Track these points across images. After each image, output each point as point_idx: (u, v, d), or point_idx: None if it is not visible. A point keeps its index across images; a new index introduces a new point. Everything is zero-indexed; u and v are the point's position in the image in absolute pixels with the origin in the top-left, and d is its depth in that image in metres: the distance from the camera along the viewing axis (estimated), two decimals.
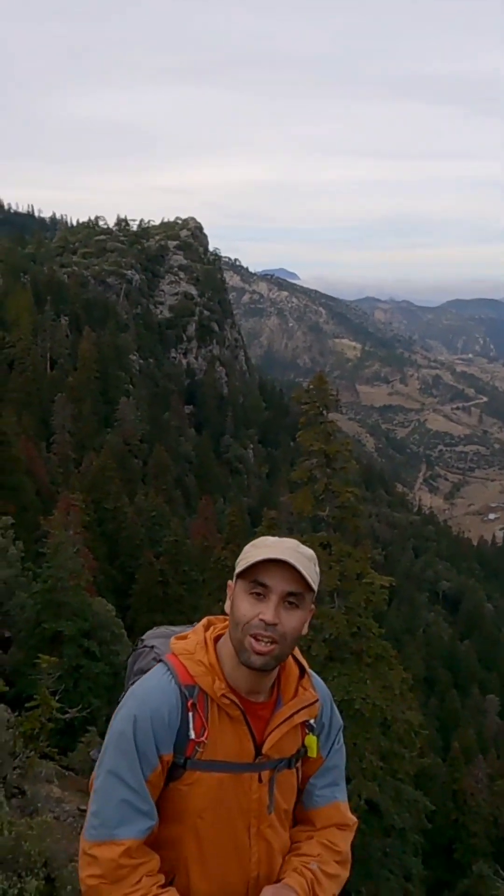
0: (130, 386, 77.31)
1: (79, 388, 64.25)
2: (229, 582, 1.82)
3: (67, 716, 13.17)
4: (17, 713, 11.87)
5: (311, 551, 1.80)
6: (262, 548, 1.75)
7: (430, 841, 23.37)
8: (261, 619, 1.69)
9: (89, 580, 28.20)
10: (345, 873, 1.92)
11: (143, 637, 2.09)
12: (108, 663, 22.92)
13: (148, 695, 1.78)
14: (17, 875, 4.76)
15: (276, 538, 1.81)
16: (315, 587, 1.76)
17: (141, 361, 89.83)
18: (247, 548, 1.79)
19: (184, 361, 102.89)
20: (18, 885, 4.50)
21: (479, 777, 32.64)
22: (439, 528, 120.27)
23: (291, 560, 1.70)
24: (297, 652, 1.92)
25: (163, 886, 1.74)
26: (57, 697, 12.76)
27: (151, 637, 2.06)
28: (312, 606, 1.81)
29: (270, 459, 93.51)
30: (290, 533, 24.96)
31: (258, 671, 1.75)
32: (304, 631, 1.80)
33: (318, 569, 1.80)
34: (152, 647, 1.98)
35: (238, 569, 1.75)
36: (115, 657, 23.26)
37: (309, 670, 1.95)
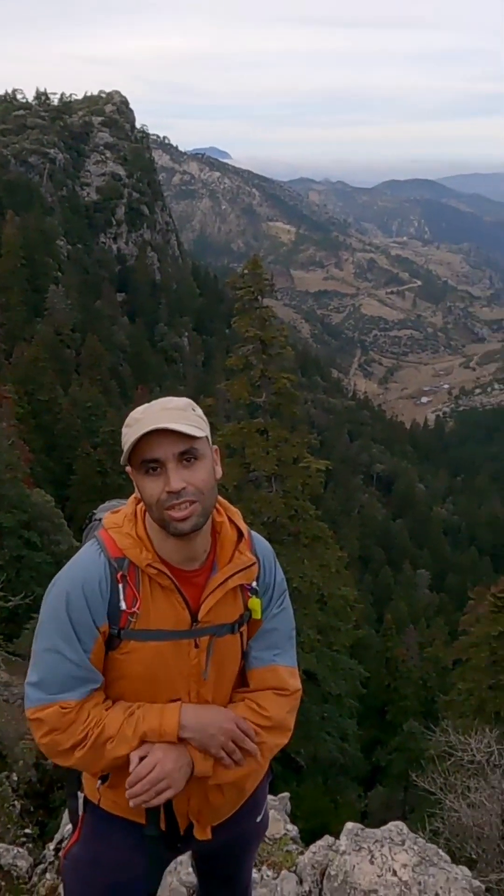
0: (59, 273, 74.60)
1: (5, 276, 61.66)
2: (127, 468, 1.76)
3: (11, 604, 13.34)
4: None
5: (183, 400, 1.76)
6: (133, 426, 1.70)
7: (365, 705, 24.89)
8: (168, 492, 1.66)
9: (26, 472, 28.07)
10: (273, 740, 1.88)
11: (95, 510, 2.09)
12: (49, 553, 23.13)
13: (77, 569, 1.78)
14: None
15: (141, 408, 1.76)
16: (205, 431, 1.72)
17: (69, 247, 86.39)
18: (122, 430, 1.74)
19: (114, 247, 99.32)
20: None
21: (411, 645, 34.70)
22: (374, 413, 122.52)
23: (165, 424, 1.65)
24: (237, 517, 1.90)
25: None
26: None
27: (101, 510, 2.06)
28: (214, 447, 1.79)
29: (206, 347, 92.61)
30: (227, 421, 25.04)
31: (191, 534, 1.72)
32: (220, 473, 1.78)
33: (198, 411, 1.75)
34: (100, 519, 1.97)
35: (123, 457, 1.72)
36: (56, 546, 23.47)
37: (250, 533, 1.93)
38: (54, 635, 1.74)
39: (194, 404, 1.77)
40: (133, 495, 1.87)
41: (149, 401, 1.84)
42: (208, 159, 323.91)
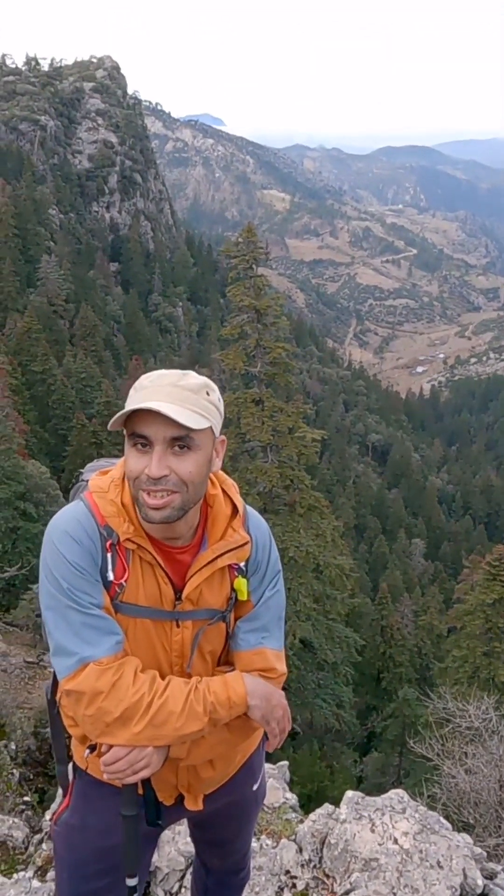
0: (51, 243, 73.91)
1: None
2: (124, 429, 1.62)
3: (7, 574, 13.37)
4: None
5: (198, 380, 1.60)
6: (138, 392, 1.56)
7: (360, 672, 25.12)
8: (147, 475, 1.54)
9: (21, 444, 27.96)
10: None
11: (83, 469, 1.96)
12: (45, 524, 23.02)
13: (74, 520, 1.66)
14: None
15: (156, 374, 1.60)
16: (210, 422, 1.58)
17: (61, 216, 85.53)
18: (130, 392, 1.60)
19: (106, 216, 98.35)
20: None
21: (405, 613, 35.00)
22: (369, 383, 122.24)
23: (160, 407, 1.49)
24: (232, 490, 1.80)
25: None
26: None
27: (88, 469, 1.94)
28: (221, 437, 1.67)
29: (200, 317, 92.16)
30: (223, 391, 24.92)
31: (161, 524, 1.61)
32: (216, 467, 1.67)
33: (213, 396, 1.60)
34: (86, 481, 1.85)
35: (116, 421, 1.57)
36: (51, 518, 23.46)
37: (246, 509, 1.81)
38: (61, 581, 1.61)
39: (211, 386, 1.61)
40: (123, 458, 1.74)
41: (143, 371, 1.70)
42: (202, 126, 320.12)
